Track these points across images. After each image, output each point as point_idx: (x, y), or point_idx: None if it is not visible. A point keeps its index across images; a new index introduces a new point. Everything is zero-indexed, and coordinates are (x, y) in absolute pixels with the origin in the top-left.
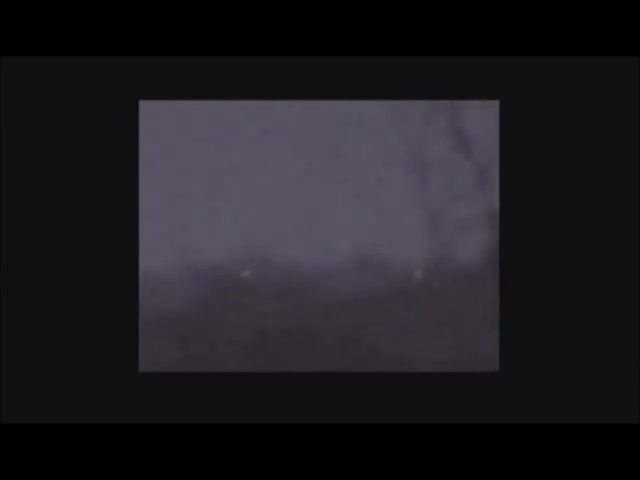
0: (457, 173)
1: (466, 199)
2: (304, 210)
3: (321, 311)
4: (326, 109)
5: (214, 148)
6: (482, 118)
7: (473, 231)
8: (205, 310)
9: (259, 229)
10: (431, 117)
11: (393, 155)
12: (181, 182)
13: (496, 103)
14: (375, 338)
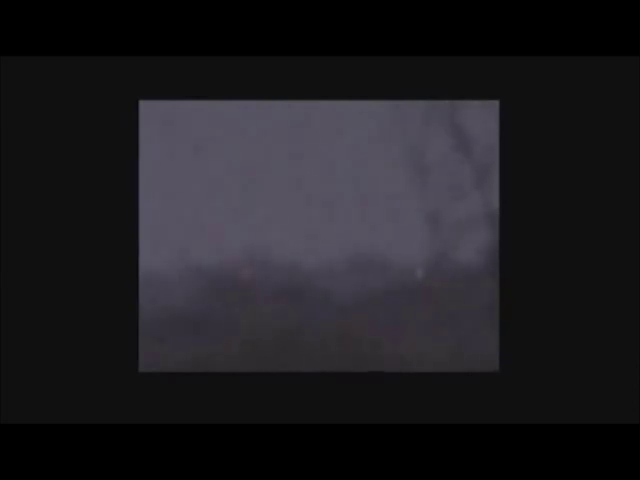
0: (457, 173)
1: (466, 199)
2: (304, 210)
3: (321, 311)
4: (326, 109)
5: (214, 148)
6: (482, 118)
7: (473, 231)
8: (205, 310)
9: (259, 229)
10: (431, 117)
11: (393, 155)
12: (181, 182)
13: (496, 103)
14: (375, 338)
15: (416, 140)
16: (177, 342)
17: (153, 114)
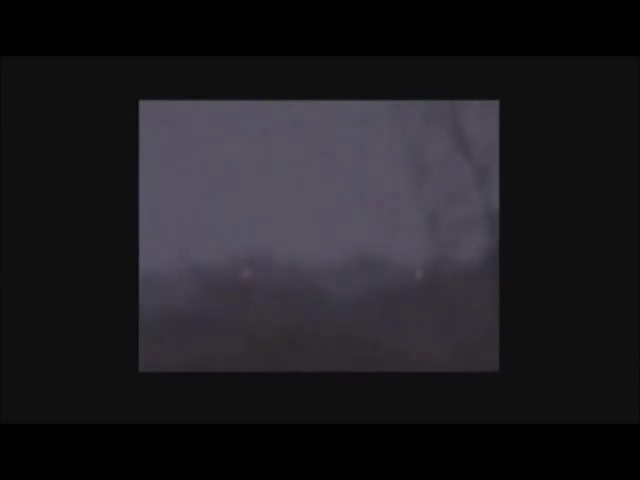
0: (457, 173)
1: (466, 199)
2: (304, 210)
3: (321, 311)
4: (326, 109)
5: (214, 148)
6: (482, 118)
7: (473, 231)
8: (205, 310)
9: (259, 229)
10: (431, 117)
11: (393, 155)
12: (181, 182)
13: (496, 103)
14: (375, 338)
15: (416, 140)
16: (177, 342)
17: (153, 114)
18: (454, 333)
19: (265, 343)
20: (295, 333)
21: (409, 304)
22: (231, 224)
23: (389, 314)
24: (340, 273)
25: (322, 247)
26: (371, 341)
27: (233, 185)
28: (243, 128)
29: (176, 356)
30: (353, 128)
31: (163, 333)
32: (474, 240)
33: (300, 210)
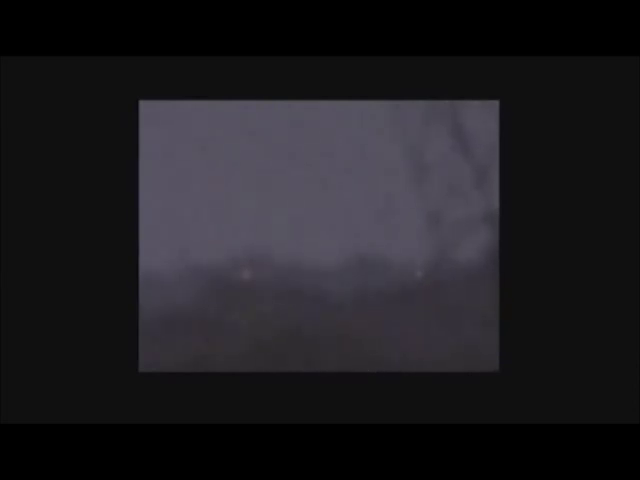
0: (457, 173)
1: (466, 199)
2: (304, 210)
3: (321, 311)
4: (326, 109)
5: (214, 148)
6: (482, 118)
7: (473, 231)
8: (205, 310)
9: (259, 229)
10: (431, 117)
11: (393, 155)
12: (181, 182)
13: (496, 103)
14: (375, 338)
15: (416, 140)
16: (177, 342)
17: (153, 114)
18: (454, 333)
19: (265, 343)
20: (295, 333)
21: (409, 304)
22: (231, 224)
23: (389, 314)
24: (340, 273)
25: (322, 247)
26: (371, 341)
27: (233, 185)
28: (243, 128)
29: (176, 356)
30: (353, 128)
31: (163, 333)
32: (474, 240)
33: (300, 210)
